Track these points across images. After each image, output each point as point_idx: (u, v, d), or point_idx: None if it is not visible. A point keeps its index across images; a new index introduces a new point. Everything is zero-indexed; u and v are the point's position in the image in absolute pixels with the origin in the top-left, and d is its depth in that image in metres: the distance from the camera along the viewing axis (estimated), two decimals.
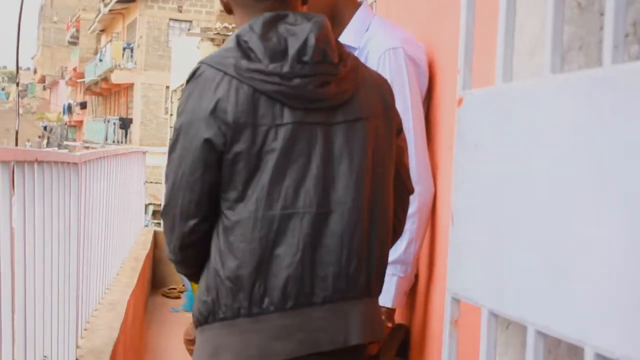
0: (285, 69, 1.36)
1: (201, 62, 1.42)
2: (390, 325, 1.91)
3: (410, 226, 1.82)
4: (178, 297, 6.33)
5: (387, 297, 1.85)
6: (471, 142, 0.86)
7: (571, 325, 0.68)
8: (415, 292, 2.02)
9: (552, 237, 0.71)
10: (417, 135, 1.87)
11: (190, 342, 1.65)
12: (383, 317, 1.85)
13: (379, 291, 1.49)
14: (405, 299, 1.94)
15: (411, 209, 1.77)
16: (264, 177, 1.37)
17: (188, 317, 2.01)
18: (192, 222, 1.41)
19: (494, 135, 0.82)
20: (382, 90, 1.50)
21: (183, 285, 6.26)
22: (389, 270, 1.83)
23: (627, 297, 0.60)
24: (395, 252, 1.82)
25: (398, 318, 2.05)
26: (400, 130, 1.54)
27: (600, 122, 0.63)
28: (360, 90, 1.44)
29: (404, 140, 1.57)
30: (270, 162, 1.37)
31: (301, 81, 1.36)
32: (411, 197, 1.75)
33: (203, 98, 1.37)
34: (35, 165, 2.06)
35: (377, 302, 1.50)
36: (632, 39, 0.91)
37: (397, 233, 1.57)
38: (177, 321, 3.18)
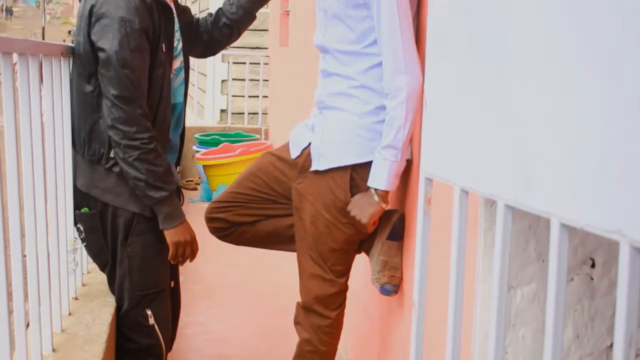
0: None
1: None
2: (384, 206, 2.00)
3: (399, 113, 1.88)
4: (195, 189, 6.54)
5: (380, 180, 1.96)
6: (440, 33, 0.94)
7: (537, 199, 0.72)
8: (409, 177, 2.08)
9: (521, 117, 0.75)
10: (403, 25, 1.87)
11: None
12: (377, 199, 1.97)
13: (86, 153, 2.20)
14: (397, 182, 2.00)
15: (399, 98, 1.88)
16: None
17: (204, 207, 2.17)
18: None
19: (461, 26, 0.88)
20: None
21: (199, 178, 6.45)
22: (382, 155, 1.94)
23: (589, 171, 0.64)
24: (386, 137, 1.92)
25: (392, 202, 2.15)
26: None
27: None
28: None
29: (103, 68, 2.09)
30: None
31: None
32: (399, 86, 1.87)
33: None
34: (62, 58, 2.17)
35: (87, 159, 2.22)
36: None
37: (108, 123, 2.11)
38: (194, 211, 3.37)
